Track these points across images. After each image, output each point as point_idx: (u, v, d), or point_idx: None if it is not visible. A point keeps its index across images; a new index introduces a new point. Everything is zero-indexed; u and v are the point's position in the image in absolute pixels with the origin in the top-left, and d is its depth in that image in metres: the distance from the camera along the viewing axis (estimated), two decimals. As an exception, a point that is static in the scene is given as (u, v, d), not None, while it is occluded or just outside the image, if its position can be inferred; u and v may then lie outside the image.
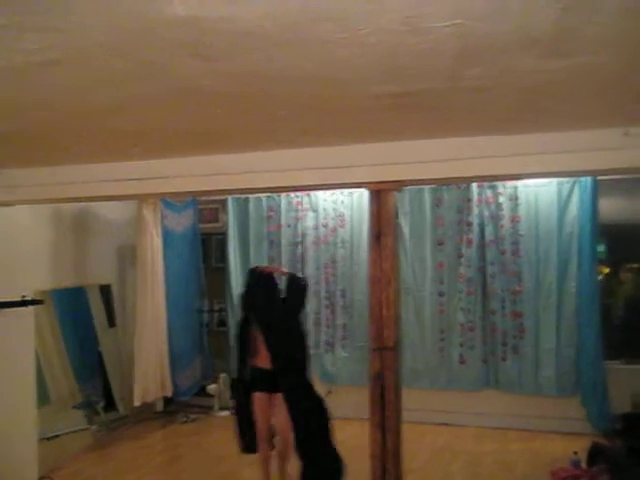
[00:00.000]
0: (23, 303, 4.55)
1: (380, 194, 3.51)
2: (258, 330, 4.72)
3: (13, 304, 4.48)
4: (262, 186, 3.81)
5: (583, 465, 5.28)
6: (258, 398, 4.77)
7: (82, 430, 6.49)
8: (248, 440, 4.83)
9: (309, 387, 4.70)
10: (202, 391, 7.73)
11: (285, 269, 5.17)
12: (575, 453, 5.37)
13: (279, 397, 4.60)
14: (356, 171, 3.52)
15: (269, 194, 7.56)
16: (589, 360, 6.46)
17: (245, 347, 4.81)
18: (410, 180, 3.47)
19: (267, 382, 4.71)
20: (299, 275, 5.27)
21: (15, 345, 4.97)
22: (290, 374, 4.60)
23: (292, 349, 4.68)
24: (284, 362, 4.60)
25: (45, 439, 5.70)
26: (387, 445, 3.52)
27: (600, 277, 6.78)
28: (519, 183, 6.69)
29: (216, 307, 8.27)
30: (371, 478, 3.62)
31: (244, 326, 4.88)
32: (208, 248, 8.19)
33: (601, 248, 6.83)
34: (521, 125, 3.24)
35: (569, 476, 5.06)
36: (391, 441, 3.52)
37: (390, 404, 3.49)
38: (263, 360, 4.70)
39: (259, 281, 4.83)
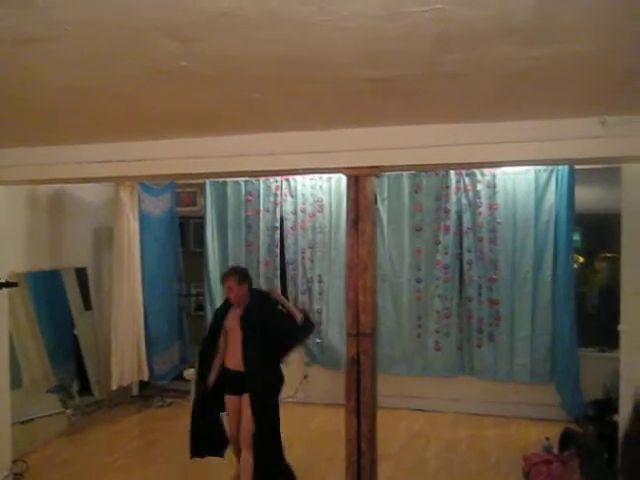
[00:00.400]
0: (-3, 285, 4.50)
1: (358, 179, 3.50)
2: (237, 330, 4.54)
3: (-14, 286, 4.43)
4: (240, 170, 3.79)
5: (555, 450, 5.35)
6: (230, 400, 4.64)
7: (57, 414, 6.45)
8: (201, 443, 4.79)
9: (276, 389, 4.58)
10: (179, 376, 7.71)
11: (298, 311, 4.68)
12: (547, 439, 5.43)
13: (245, 398, 4.45)
14: (334, 156, 3.51)
15: (247, 178, 7.52)
16: (564, 348, 6.52)
17: (216, 346, 4.69)
18: (388, 166, 3.46)
19: (238, 384, 4.54)
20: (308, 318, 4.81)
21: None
22: (260, 376, 4.46)
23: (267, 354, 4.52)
24: (256, 364, 4.44)
25: (19, 423, 5.66)
26: (362, 430, 3.53)
27: (575, 266, 6.84)
28: (497, 171, 6.71)
29: (194, 291, 8.25)
30: (346, 463, 3.64)
31: (218, 325, 4.74)
32: (186, 232, 8.15)
33: (577, 237, 6.89)
34: (500, 112, 3.25)
35: (541, 461, 5.11)
36: (366, 426, 3.53)
37: (366, 390, 3.51)
38: (234, 360, 4.55)
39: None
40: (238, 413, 4.54)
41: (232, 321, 4.60)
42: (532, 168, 6.56)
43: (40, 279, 6.38)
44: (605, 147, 3.22)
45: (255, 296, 4.64)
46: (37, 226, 6.35)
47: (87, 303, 7.15)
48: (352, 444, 3.57)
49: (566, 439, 5.42)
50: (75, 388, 6.84)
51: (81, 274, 7.07)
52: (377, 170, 3.50)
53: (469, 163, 3.44)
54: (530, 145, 3.32)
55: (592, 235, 6.99)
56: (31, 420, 6.00)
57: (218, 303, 7.68)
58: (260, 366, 4.40)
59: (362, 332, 3.47)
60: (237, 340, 4.48)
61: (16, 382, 5.80)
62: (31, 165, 4.37)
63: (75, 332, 6.89)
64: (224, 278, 4.58)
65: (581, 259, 7.11)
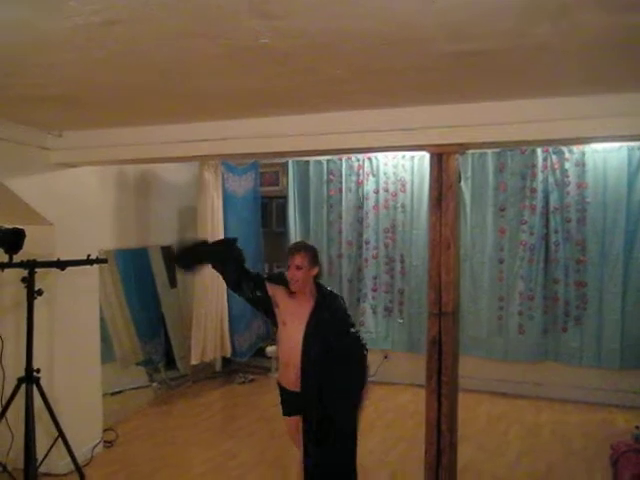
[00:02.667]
0: (88, 262, 4.65)
1: (442, 157, 3.44)
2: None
3: (79, 262, 4.59)
4: (321, 148, 3.78)
5: (645, 440, 5.16)
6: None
7: (144, 387, 6.70)
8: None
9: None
10: (261, 353, 7.84)
11: None
12: (637, 427, 5.24)
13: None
14: (418, 133, 3.45)
15: (330, 158, 7.53)
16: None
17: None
18: (473, 143, 3.39)
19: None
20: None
21: (81, 303, 5.12)
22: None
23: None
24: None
25: (109, 394, 5.90)
26: (443, 411, 3.50)
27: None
28: (587, 148, 6.46)
29: (276, 271, 8.33)
30: (426, 444, 3.62)
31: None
32: (269, 212, 8.22)
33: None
34: (592, 85, 3.11)
35: (630, 450, 4.93)
36: (447, 407, 3.49)
37: (447, 370, 3.46)
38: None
39: None
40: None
41: (294, 313, 3.59)
42: (625, 145, 6.30)
43: (128, 256, 6.59)
44: None
45: (326, 292, 3.71)
46: (125, 206, 6.56)
47: (172, 281, 7.35)
48: (432, 425, 3.53)
49: (657, 428, 5.22)
50: (161, 363, 7.07)
51: (167, 252, 7.26)
52: (461, 148, 3.43)
53: (558, 139, 3.31)
54: (620, 120, 3.17)
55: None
56: (120, 392, 6.24)
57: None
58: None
59: (444, 311, 3.42)
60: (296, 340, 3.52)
61: (108, 356, 6.04)
62: (118, 146, 4.50)
63: (161, 309, 7.10)
64: (292, 252, 3.53)
65: None
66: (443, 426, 3.52)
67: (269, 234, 8.10)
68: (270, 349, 7.62)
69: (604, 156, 6.46)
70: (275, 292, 3.65)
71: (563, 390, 6.76)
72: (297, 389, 3.51)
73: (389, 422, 6.14)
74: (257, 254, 7.87)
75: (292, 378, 3.53)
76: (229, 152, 4.10)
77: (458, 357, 3.63)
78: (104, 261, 4.88)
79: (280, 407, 3.83)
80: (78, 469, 4.72)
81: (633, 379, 6.47)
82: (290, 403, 3.68)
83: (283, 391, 3.72)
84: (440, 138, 3.39)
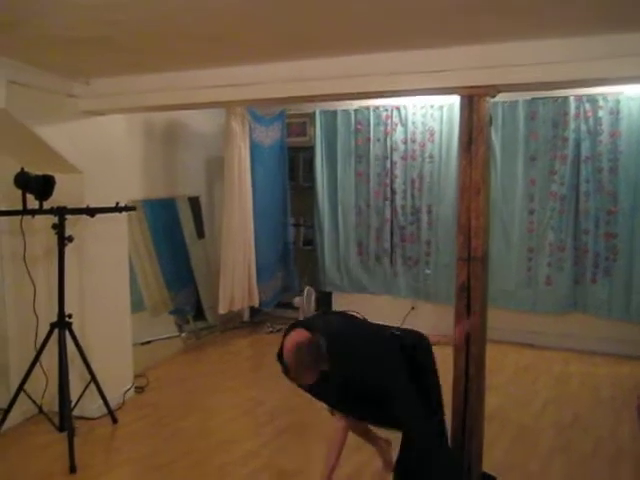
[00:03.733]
0: (117, 209, 4.68)
1: (472, 100, 3.36)
2: None
3: (108, 210, 4.63)
4: (352, 91, 3.71)
5: (674, 390, 5.14)
6: None
7: (173, 337, 6.79)
8: None
9: None
10: (287, 304, 7.90)
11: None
12: (665, 377, 5.23)
13: None
14: (448, 75, 3.38)
15: (357, 107, 7.45)
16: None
17: None
18: (504, 85, 3.30)
19: None
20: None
21: (111, 251, 5.17)
22: None
23: None
24: None
25: (139, 344, 5.99)
26: (471, 355, 3.49)
27: None
28: (622, 96, 6.29)
29: (302, 223, 8.32)
30: (454, 386, 3.63)
31: None
32: (296, 166, 8.17)
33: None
34: (623, 23, 3.00)
35: (657, 399, 4.93)
36: (476, 351, 3.49)
37: (476, 315, 3.45)
38: None
39: None
40: None
41: None
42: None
43: (156, 207, 6.61)
44: None
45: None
46: (152, 155, 6.56)
47: (200, 231, 7.39)
48: (460, 369, 3.53)
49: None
50: (190, 314, 7.15)
51: (194, 203, 7.28)
52: (492, 90, 3.35)
53: (590, 79, 3.21)
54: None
55: None
56: (150, 342, 6.33)
57: (327, 236, 7.78)
58: None
59: (473, 256, 3.39)
60: None
61: (139, 306, 6.13)
62: (145, 92, 4.47)
63: (189, 259, 7.16)
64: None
65: None
66: (471, 370, 3.52)
67: (296, 188, 8.07)
68: (296, 300, 7.66)
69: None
70: None
71: (591, 342, 6.72)
72: None
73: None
74: (283, 205, 7.86)
75: None
76: (256, 97, 4.05)
77: (487, 303, 3.61)
78: (132, 209, 4.91)
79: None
80: (110, 413, 4.86)
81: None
82: None
83: None
84: (471, 80, 3.31)
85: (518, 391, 5.62)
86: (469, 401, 3.56)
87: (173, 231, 6.95)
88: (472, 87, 3.31)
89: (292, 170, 8.08)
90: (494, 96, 3.46)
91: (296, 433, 4.79)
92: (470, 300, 3.44)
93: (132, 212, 5.13)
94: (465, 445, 3.60)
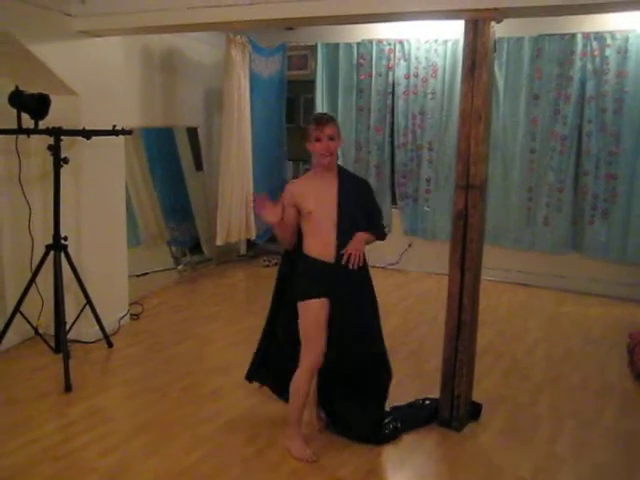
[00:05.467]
0: (114, 132, 4.62)
1: (477, 24, 3.28)
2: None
3: (104, 132, 4.57)
4: (352, 13, 3.60)
5: (664, 330, 5.17)
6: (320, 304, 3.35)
7: (169, 269, 6.80)
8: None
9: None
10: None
11: None
12: (658, 317, 5.27)
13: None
14: (453, -3, 3.29)
15: (360, 40, 7.31)
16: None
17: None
18: (509, 8, 3.20)
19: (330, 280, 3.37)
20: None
21: (107, 175, 5.12)
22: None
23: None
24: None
25: (135, 276, 6.00)
26: (466, 283, 3.49)
27: None
28: (631, 34, 6.17)
29: (302, 167, 8.22)
30: (447, 316, 3.64)
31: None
32: (296, 108, 8.04)
33: None
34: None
35: (647, 338, 4.97)
36: (470, 280, 3.49)
37: (472, 243, 3.43)
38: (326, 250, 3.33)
39: None
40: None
41: (320, 195, 3.31)
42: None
43: (154, 135, 6.55)
44: None
45: (343, 168, 3.53)
46: (151, 83, 6.47)
47: (198, 164, 7.34)
48: (454, 298, 3.54)
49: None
50: (187, 246, 7.16)
51: (192, 134, 7.21)
52: (497, 13, 3.25)
53: (604, 3, 3.12)
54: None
55: None
56: (146, 274, 6.35)
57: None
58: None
59: (472, 184, 3.35)
60: (329, 222, 3.29)
61: (135, 238, 6.13)
62: (142, 12, 4.34)
63: (187, 192, 7.12)
64: (322, 122, 3.26)
65: None
66: (465, 299, 3.52)
67: (296, 130, 7.95)
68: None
69: (649, 43, 6.18)
70: (296, 199, 3.32)
71: (586, 283, 6.75)
72: (332, 260, 3.30)
73: (410, 306, 6.23)
74: (280, 138, 7.77)
75: (328, 250, 3.31)
76: (256, 18, 3.93)
77: (484, 232, 3.60)
78: (129, 132, 4.84)
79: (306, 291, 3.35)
80: (106, 337, 4.90)
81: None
82: (322, 278, 3.32)
83: (314, 264, 3.33)
84: (476, 3, 3.22)
85: (511, 328, 5.67)
86: (462, 329, 3.58)
87: (171, 162, 6.90)
88: (476, 10, 3.22)
89: (292, 112, 7.96)
90: (500, 21, 3.38)
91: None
92: (467, 228, 3.42)
93: (129, 139, 5.07)
94: (456, 373, 3.64)
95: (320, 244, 3.32)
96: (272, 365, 3.78)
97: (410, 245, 7.50)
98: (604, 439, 3.67)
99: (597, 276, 6.71)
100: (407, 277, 7.26)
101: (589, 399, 4.22)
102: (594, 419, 3.92)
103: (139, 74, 6.25)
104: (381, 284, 6.96)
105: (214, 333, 5.41)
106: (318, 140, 3.27)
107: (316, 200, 3.28)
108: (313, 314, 3.29)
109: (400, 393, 3.98)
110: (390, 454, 3.47)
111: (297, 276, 3.41)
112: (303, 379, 3.33)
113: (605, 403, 4.16)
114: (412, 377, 4.47)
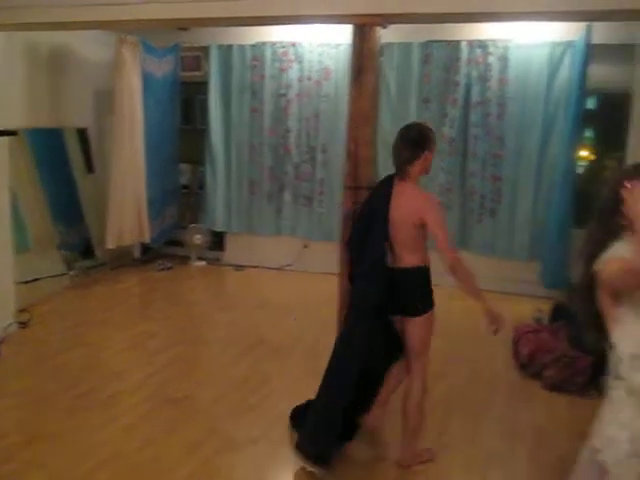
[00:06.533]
0: (-6, 133, 4.45)
1: (364, 29, 3.37)
2: None
3: (-16, 133, 4.39)
4: (245, 15, 3.62)
5: (546, 323, 5.47)
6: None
7: (60, 275, 6.56)
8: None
9: None
10: (179, 242, 7.85)
11: None
12: (539, 310, 5.54)
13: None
14: (340, 2, 3.37)
15: (254, 43, 7.32)
16: (559, 228, 6.48)
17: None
18: (395, 14, 3.32)
19: None
20: None
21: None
22: None
23: None
24: None
25: (23, 282, 5.76)
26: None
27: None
28: (511, 43, 6.49)
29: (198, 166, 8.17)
30: (338, 316, 3.72)
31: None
32: (192, 109, 7.97)
33: (589, 134, 6.77)
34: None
35: (530, 331, 5.22)
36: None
37: (360, 243, 3.51)
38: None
39: None
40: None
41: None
42: (547, 41, 6.36)
43: (41, 136, 6.29)
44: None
45: None
46: (36, 81, 6.22)
47: (89, 166, 7.12)
48: (344, 299, 3.62)
49: (557, 312, 5.51)
50: (79, 250, 6.94)
51: (83, 135, 6.99)
52: (383, 19, 3.36)
53: (480, 13, 3.27)
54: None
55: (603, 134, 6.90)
56: (36, 280, 6.11)
57: (219, 173, 7.68)
58: None
59: (359, 185, 3.45)
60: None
61: (24, 244, 5.88)
62: (27, 8, 4.22)
63: (78, 195, 6.90)
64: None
65: (592, 157, 7.06)
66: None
67: (193, 131, 7.89)
68: (197, 237, 7.62)
69: (527, 52, 6.49)
70: None
71: (477, 280, 6.99)
72: None
73: (307, 306, 6.29)
74: (174, 140, 7.69)
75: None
76: (146, 17, 3.88)
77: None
78: (13, 133, 4.68)
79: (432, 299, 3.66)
80: (-11, 345, 4.70)
81: (538, 270, 6.76)
82: None
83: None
84: (362, 8, 3.32)
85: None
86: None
87: (60, 163, 6.66)
88: (362, 15, 3.32)
89: (188, 114, 7.89)
90: (385, 27, 3.48)
91: (184, 364, 4.81)
92: (355, 228, 3.50)
93: (14, 140, 4.88)
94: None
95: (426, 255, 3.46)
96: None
97: (306, 246, 7.57)
98: (492, 428, 3.85)
99: (485, 273, 6.87)
100: (303, 278, 7.32)
101: (478, 390, 4.42)
102: (483, 410, 4.11)
103: (23, 70, 5.98)
104: (277, 285, 7.11)
105: (107, 339, 5.28)
106: None
107: None
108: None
109: (298, 390, 4.04)
110: (283, 456, 3.51)
111: (420, 287, 3.57)
112: (422, 391, 3.38)
113: (493, 394, 4.36)
114: (308, 375, 4.52)
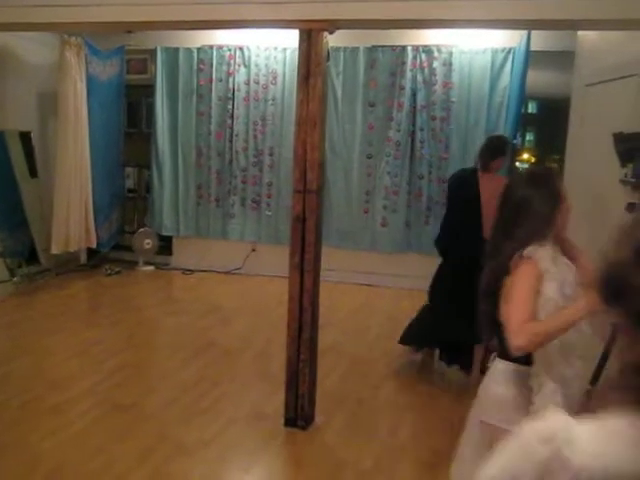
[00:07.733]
0: None
1: (311, 34, 3.41)
2: None
3: None
4: (191, 19, 3.62)
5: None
6: None
7: (3, 282, 6.42)
8: None
9: None
10: (126, 246, 7.75)
11: None
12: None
13: None
14: (287, 8, 3.39)
15: (200, 46, 7.29)
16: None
17: None
18: (341, 20, 3.36)
19: None
20: None
21: None
22: None
23: None
24: None
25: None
26: (305, 286, 3.60)
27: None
28: (454, 49, 6.64)
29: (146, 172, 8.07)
30: (289, 318, 3.74)
31: None
32: (138, 112, 7.87)
33: (530, 137, 6.93)
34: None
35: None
36: (309, 282, 3.60)
37: (310, 246, 3.55)
38: None
39: None
40: None
41: None
42: (489, 47, 6.53)
43: (-19, 139, 6.16)
44: (563, 7, 3.16)
45: None
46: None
47: (33, 170, 6.97)
48: (295, 300, 3.64)
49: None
50: (23, 256, 6.79)
51: (26, 139, 6.84)
52: (330, 24, 3.40)
53: (429, 20, 3.34)
54: (486, 3, 3.24)
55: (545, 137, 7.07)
56: (-24, 288, 5.97)
57: (166, 177, 7.62)
58: None
59: (309, 189, 3.48)
60: None
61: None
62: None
63: (21, 199, 6.75)
64: None
65: (533, 159, 7.22)
66: (305, 301, 3.63)
67: (137, 135, 7.79)
68: (147, 242, 7.54)
69: (470, 57, 6.66)
70: None
71: (423, 280, 7.09)
72: None
73: (255, 310, 6.29)
74: (119, 143, 7.61)
75: None
76: (94, 20, 3.82)
77: (321, 235, 3.72)
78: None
79: None
80: None
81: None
82: None
83: None
84: (309, 13, 3.34)
85: (354, 326, 5.90)
86: (303, 330, 3.69)
87: (2, 168, 6.52)
88: (310, 21, 3.35)
89: (134, 116, 7.79)
90: (332, 32, 3.52)
91: (133, 370, 4.75)
92: (305, 232, 3.54)
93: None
94: (299, 373, 3.74)
95: None
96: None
97: (254, 250, 7.57)
98: (439, 425, 3.92)
99: (432, 272, 7.07)
100: (252, 281, 7.32)
101: (424, 390, 4.49)
102: (429, 408, 4.18)
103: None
104: (225, 289, 7.09)
105: (53, 346, 5.18)
106: None
107: None
108: None
109: (246, 393, 4.04)
110: (236, 459, 3.52)
111: None
112: None
113: (440, 393, 4.45)
114: (259, 378, 4.55)
